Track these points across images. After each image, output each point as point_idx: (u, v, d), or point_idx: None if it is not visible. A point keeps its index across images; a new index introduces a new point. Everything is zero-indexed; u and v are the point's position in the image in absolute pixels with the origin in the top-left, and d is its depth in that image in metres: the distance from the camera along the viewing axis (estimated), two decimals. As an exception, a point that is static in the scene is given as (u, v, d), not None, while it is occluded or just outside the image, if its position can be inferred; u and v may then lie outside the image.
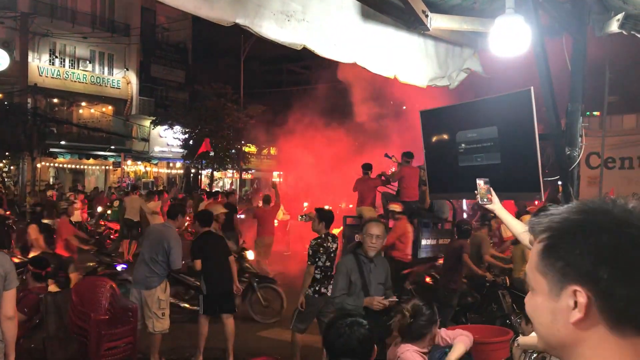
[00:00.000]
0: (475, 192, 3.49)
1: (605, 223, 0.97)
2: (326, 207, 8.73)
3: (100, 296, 6.08)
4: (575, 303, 0.97)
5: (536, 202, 11.46)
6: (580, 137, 3.67)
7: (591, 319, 0.96)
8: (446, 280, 7.02)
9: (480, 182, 3.46)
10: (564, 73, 3.71)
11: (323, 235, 6.12)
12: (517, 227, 3.54)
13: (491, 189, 3.47)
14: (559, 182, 4.06)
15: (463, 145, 4.42)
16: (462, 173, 4.46)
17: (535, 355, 3.14)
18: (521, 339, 3.27)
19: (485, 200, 3.46)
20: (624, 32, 3.05)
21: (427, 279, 7.91)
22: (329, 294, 6.01)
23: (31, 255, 7.90)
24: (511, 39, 3.28)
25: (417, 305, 3.54)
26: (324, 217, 6.27)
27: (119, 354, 5.71)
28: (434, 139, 4.72)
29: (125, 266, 8.37)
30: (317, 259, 6.04)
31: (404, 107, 19.65)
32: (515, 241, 8.00)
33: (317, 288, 6.06)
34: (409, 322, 3.50)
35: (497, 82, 4.89)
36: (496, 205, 3.51)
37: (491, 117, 4.14)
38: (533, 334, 3.40)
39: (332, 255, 6.11)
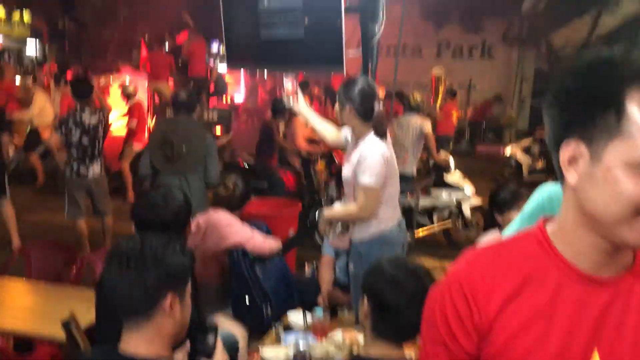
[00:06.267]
0: (282, 93, 3.49)
1: None
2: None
3: None
4: None
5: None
6: (382, 12, 3.72)
7: None
8: (262, 159, 6.97)
9: (286, 85, 3.42)
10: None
11: (77, 107, 5.54)
12: (322, 128, 3.60)
13: (299, 90, 3.44)
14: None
15: (265, 14, 4.23)
16: (262, 45, 4.30)
17: (340, 225, 3.28)
18: (326, 212, 3.36)
19: (291, 102, 3.43)
20: None
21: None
22: (90, 175, 5.61)
23: None
24: None
25: (238, 180, 3.74)
26: (72, 86, 5.85)
27: None
28: (234, 6, 4.44)
29: None
30: (67, 132, 5.47)
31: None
32: None
33: (74, 168, 5.56)
34: (230, 194, 3.69)
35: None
36: (301, 106, 3.52)
37: (296, -15, 3.97)
38: (336, 204, 3.55)
39: (92, 131, 5.53)
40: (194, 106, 4.90)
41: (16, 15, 27.82)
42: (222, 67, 12.50)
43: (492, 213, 3.36)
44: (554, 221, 1.06)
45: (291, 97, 3.46)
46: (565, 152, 0.94)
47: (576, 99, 0.92)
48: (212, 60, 13.47)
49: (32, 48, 34.49)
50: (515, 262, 1.04)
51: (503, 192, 3.28)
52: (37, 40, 32.71)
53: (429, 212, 6.78)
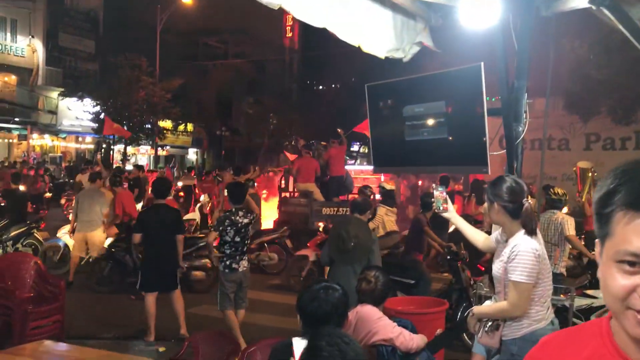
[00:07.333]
0: (432, 200, 3.62)
1: None
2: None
3: (24, 272, 5.72)
4: None
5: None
6: (525, 112, 3.80)
7: None
8: (410, 253, 7.11)
9: (436, 192, 3.55)
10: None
11: (233, 210, 6.16)
12: (472, 234, 3.65)
13: (448, 198, 3.56)
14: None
15: (410, 119, 4.49)
16: (408, 147, 4.53)
17: (490, 323, 3.25)
18: (476, 309, 3.36)
19: (441, 208, 3.56)
20: (593, 7, 3.16)
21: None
22: (240, 269, 6.08)
23: None
24: (481, 10, 3.34)
25: (378, 273, 3.83)
26: (229, 192, 6.48)
27: (46, 333, 5.41)
28: (380, 112, 4.77)
29: None
30: (223, 231, 6.06)
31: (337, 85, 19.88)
32: None
33: (227, 263, 6.07)
34: (372, 287, 3.76)
35: (443, 57, 4.97)
36: (452, 214, 3.61)
37: (439, 92, 4.22)
38: (487, 302, 3.53)
39: (243, 230, 6.11)
40: (366, 209, 5.79)
41: (181, 127, 31.29)
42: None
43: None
44: None
45: (441, 205, 3.56)
46: (596, 249, 1.12)
47: (595, 206, 1.10)
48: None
49: (193, 154, 38.09)
50: (580, 346, 1.16)
51: None
52: (198, 146, 36.22)
53: (586, 314, 6.33)
